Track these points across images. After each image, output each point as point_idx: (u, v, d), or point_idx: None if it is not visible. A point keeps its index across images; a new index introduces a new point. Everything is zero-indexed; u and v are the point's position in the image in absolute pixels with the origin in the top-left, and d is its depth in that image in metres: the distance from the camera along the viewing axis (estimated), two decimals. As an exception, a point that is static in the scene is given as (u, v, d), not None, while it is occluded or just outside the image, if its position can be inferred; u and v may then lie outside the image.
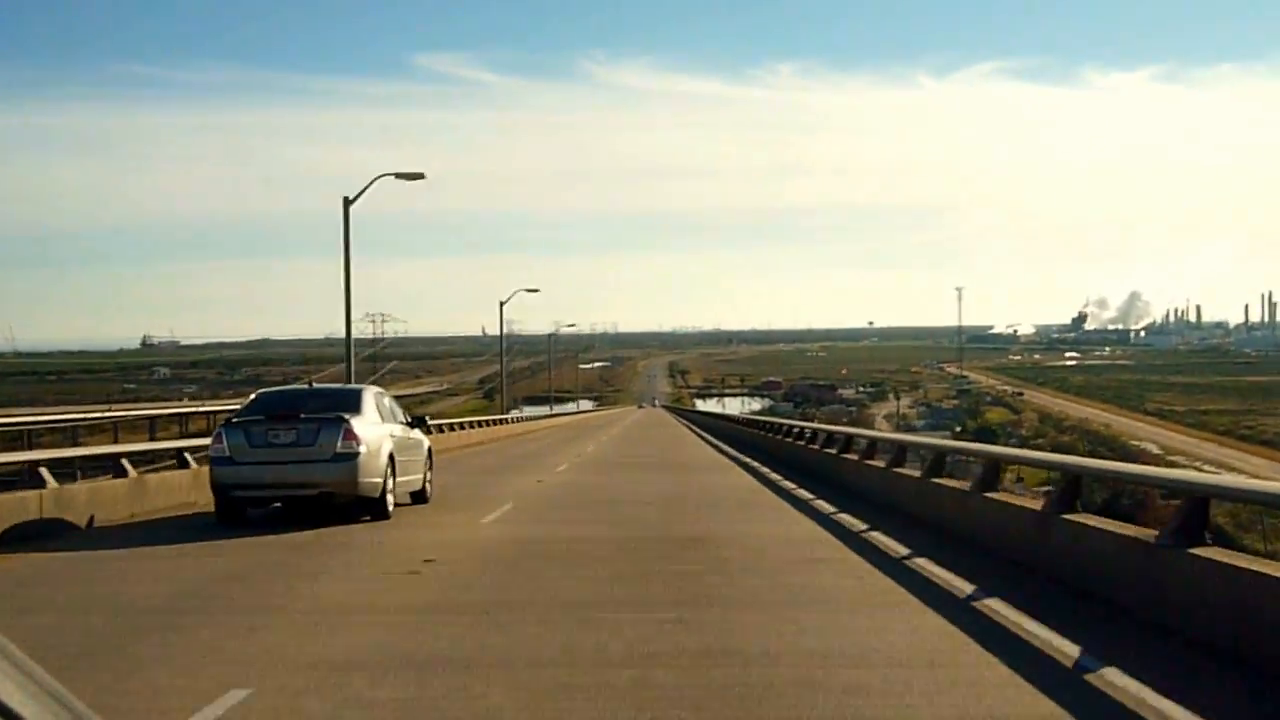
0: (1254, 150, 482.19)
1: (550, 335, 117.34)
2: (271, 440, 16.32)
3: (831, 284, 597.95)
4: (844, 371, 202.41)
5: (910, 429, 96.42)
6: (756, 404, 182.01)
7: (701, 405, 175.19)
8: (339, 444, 16.18)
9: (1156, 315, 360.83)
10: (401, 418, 18.87)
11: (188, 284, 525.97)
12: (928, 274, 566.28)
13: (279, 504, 17.07)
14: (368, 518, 16.64)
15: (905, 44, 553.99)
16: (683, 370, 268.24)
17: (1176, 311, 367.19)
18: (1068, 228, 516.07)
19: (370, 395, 17.95)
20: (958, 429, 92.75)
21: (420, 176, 33.92)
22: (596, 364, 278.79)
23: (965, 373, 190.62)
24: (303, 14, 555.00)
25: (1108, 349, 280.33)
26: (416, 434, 19.28)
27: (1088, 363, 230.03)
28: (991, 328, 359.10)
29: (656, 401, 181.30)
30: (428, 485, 19.34)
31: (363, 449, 16.32)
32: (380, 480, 16.70)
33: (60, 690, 1.42)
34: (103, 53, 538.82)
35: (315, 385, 20.92)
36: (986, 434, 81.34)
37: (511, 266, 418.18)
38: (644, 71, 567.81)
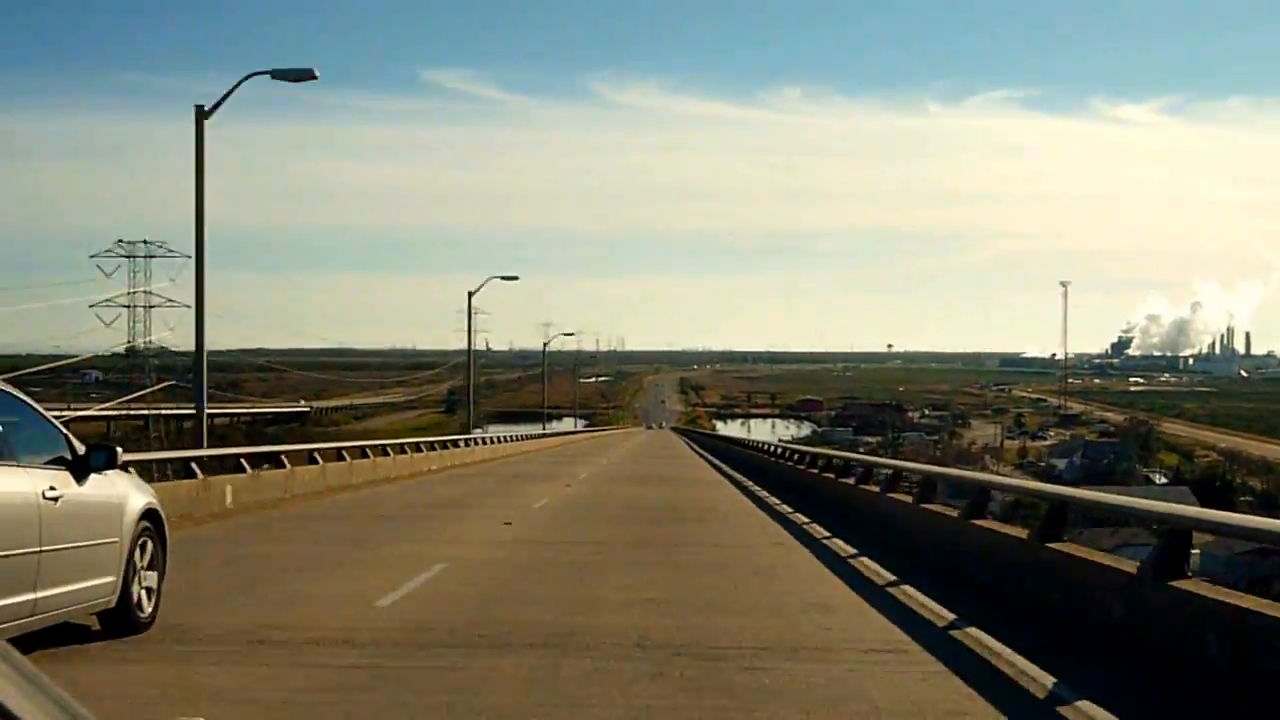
0: (1267, 183, 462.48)
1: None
2: None
3: (844, 307, 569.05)
4: (900, 390, 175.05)
5: (1052, 475, 66.94)
6: (794, 428, 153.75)
7: (723, 428, 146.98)
8: None
9: (1203, 343, 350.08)
10: (59, 447, 8.21)
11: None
12: (941, 299, 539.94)
13: None
14: None
15: (912, 71, 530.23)
16: (696, 386, 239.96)
17: (1223, 338, 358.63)
18: (1082, 257, 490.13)
19: None
20: (1162, 480, 63.11)
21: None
22: (598, 379, 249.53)
23: (1043, 396, 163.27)
24: (311, 28, 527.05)
25: (1167, 375, 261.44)
26: (108, 484, 8.51)
27: (1156, 389, 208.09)
28: (1023, 353, 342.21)
29: (665, 423, 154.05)
30: (140, 591, 8.84)
31: None
32: None
33: (65, 698, 1.38)
34: (105, 61, 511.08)
35: None
36: (1231, 492, 52.09)
37: (517, 285, 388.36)
38: (652, 92, 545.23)
